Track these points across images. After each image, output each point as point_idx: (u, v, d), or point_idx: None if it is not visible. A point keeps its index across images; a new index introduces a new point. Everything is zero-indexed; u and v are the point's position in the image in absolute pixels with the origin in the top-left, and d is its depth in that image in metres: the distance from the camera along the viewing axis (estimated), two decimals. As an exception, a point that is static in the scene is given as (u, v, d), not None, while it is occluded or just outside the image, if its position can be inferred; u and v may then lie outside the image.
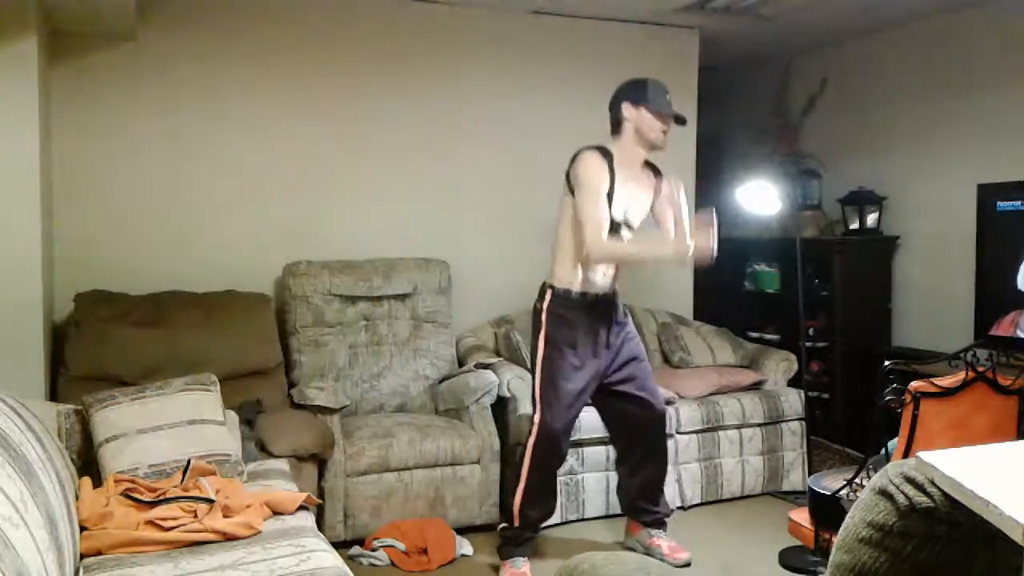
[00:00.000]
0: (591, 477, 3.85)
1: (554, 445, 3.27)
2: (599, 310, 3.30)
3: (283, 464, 3.11)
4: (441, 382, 4.08)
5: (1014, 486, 1.10)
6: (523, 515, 3.30)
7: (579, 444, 3.75)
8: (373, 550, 3.37)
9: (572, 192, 3.21)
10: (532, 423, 3.27)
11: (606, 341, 3.31)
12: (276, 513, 2.53)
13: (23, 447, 1.92)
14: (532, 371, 3.33)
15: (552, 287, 3.29)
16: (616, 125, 3.27)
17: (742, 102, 5.99)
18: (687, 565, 3.39)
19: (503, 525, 3.37)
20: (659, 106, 3.20)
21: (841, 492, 2.72)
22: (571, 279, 3.26)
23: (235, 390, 3.48)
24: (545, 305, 3.28)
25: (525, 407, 3.78)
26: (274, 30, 4.16)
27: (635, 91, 3.23)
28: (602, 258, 3.20)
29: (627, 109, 3.22)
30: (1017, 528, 0.98)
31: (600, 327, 3.29)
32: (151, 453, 2.67)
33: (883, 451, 2.67)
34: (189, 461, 2.66)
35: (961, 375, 2.57)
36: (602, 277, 3.30)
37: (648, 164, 3.37)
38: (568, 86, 4.61)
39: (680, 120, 3.25)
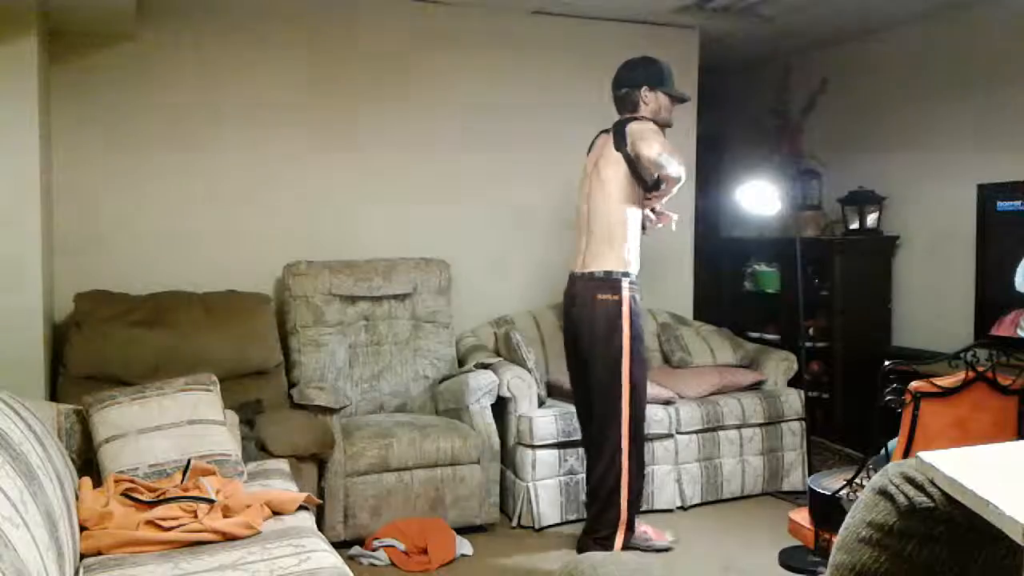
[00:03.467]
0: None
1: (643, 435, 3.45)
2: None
3: (283, 464, 3.11)
4: (441, 382, 4.08)
5: (1014, 486, 1.10)
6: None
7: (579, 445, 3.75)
8: (373, 550, 3.38)
9: (628, 158, 3.27)
10: (620, 427, 3.28)
11: None
12: (276, 513, 2.52)
13: (23, 447, 1.92)
14: (615, 373, 3.28)
15: (626, 274, 3.30)
16: (632, 107, 3.37)
17: (742, 102, 5.99)
18: (670, 549, 3.49)
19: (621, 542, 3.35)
20: (676, 92, 3.43)
21: (841, 492, 2.72)
22: (629, 260, 3.33)
23: (235, 390, 3.49)
24: (625, 296, 3.28)
25: (525, 407, 3.79)
26: (274, 30, 4.16)
27: (653, 75, 3.37)
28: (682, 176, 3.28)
29: (646, 93, 3.35)
30: (1017, 528, 0.98)
31: None
32: (151, 453, 2.67)
33: (883, 451, 2.67)
34: (189, 461, 2.66)
35: (961, 375, 2.57)
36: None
37: None
38: (568, 86, 4.61)
39: (685, 99, 3.51)
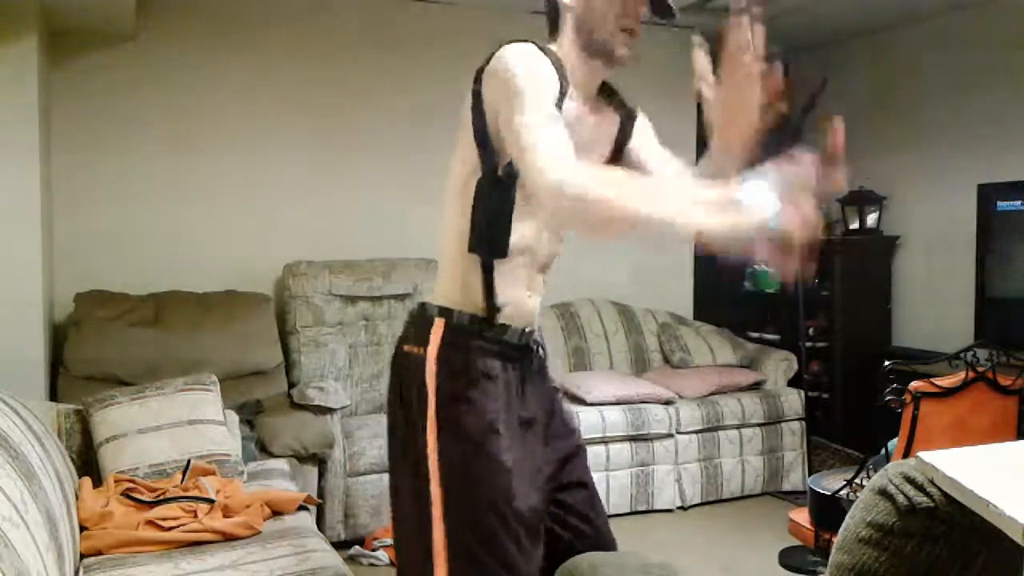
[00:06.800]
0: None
1: None
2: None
3: (283, 464, 3.11)
4: (441, 382, 4.08)
5: (1014, 486, 1.10)
6: None
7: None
8: (373, 550, 3.38)
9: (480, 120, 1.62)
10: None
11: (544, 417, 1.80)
12: (276, 513, 2.52)
13: (23, 447, 1.93)
14: (420, 480, 1.67)
15: (448, 311, 1.72)
16: (553, 20, 1.82)
17: (742, 102, 5.99)
18: None
19: None
20: None
21: (841, 492, 2.72)
22: (474, 298, 1.72)
23: (235, 390, 3.49)
24: (431, 350, 1.68)
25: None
26: (274, 30, 4.16)
27: None
28: (578, 211, 1.43)
29: None
30: (1017, 528, 0.98)
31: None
32: (151, 453, 2.67)
33: (883, 451, 2.67)
34: (189, 461, 2.66)
35: (961, 375, 2.57)
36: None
37: (612, 95, 1.86)
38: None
39: (665, 9, 1.71)
